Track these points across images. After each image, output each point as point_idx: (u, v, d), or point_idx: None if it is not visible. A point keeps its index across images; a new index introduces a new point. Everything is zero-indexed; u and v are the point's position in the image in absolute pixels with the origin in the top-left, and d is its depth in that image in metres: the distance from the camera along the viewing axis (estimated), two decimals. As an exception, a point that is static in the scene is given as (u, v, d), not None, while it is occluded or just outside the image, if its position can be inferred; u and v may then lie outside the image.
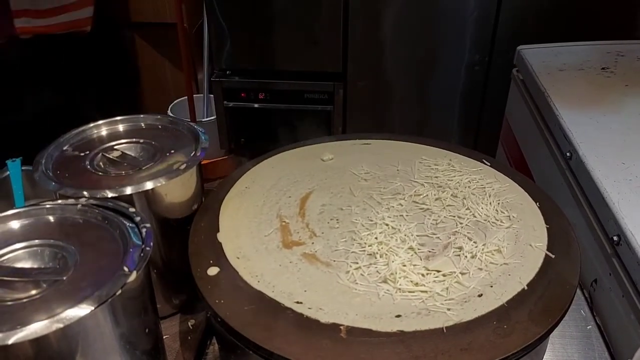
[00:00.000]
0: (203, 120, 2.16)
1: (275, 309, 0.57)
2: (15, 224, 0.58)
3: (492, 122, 1.64)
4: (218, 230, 0.69)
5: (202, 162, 0.73)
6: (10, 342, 0.44)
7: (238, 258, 0.64)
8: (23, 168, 0.80)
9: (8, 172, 0.82)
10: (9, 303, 0.49)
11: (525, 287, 0.59)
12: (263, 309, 0.57)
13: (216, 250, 0.65)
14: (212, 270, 0.62)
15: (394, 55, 1.77)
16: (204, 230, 0.69)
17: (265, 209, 0.72)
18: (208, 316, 0.71)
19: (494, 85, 1.78)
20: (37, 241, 0.56)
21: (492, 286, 0.60)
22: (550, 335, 0.58)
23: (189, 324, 0.75)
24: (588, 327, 0.74)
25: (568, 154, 0.93)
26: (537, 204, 0.73)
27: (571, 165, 0.93)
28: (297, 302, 0.58)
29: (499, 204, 0.72)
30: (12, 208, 0.60)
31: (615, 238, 0.74)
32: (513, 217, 0.70)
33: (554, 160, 1.02)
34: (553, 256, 0.64)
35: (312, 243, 0.66)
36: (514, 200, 0.73)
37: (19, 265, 0.54)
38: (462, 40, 1.75)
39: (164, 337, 0.69)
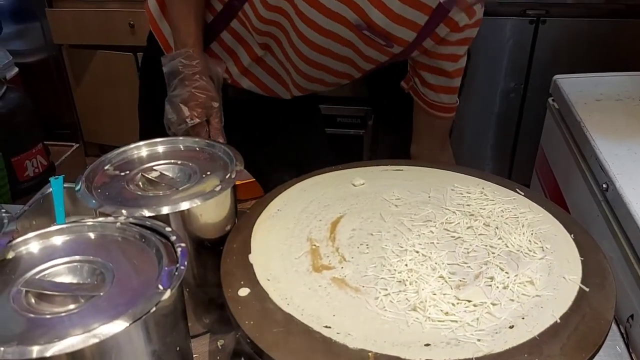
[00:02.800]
0: (237, 142, 2.20)
1: (304, 332, 0.58)
2: (57, 240, 0.60)
3: (528, 151, 1.62)
4: (250, 252, 0.70)
5: (236, 184, 0.74)
6: (48, 354, 0.46)
7: (268, 280, 0.65)
8: (65, 185, 0.83)
9: (51, 189, 0.86)
10: (48, 316, 0.51)
11: (558, 320, 0.58)
12: (292, 331, 0.58)
13: (247, 272, 0.66)
14: (243, 291, 0.63)
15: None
16: (236, 251, 0.70)
17: (296, 232, 0.73)
18: (237, 337, 0.72)
19: (529, 113, 1.76)
20: (77, 257, 0.58)
21: (523, 318, 0.59)
22: (584, 371, 0.57)
23: (219, 343, 0.76)
24: (624, 365, 0.72)
25: (604, 186, 0.92)
26: (572, 235, 0.71)
27: (608, 197, 0.91)
28: (326, 327, 0.58)
29: (532, 234, 0.71)
30: (53, 224, 0.62)
31: (653, 273, 0.72)
32: (547, 248, 0.69)
33: (590, 192, 1.00)
34: (587, 289, 0.63)
35: (342, 267, 0.67)
36: (548, 231, 0.72)
37: (59, 279, 0.56)
38: (497, 67, 1.74)
39: (194, 355, 0.69)
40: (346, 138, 1.85)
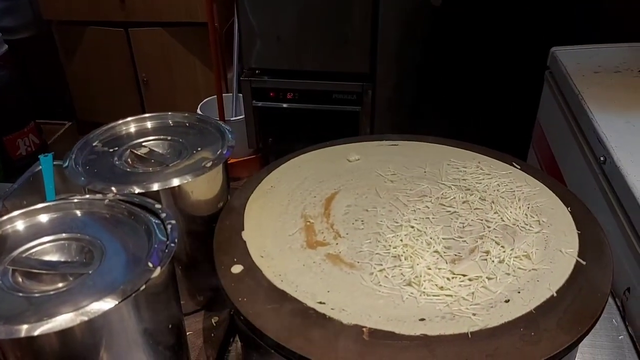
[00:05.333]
0: (232, 119, 2.18)
1: (298, 308, 0.57)
2: (44, 218, 0.59)
3: (524, 125, 1.61)
4: (243, 229, 0.69)
5: (230, 161, 0.73)
6: (36, 333, 0.45)
7: (262, 257, 0.64)
8: (55, 163, 0.82)
9: (40, 167, 0.84)
10: (37, 295, 0.50)
11: (555, 294, 0.58)
12: (285, 308, 0.57)
13: (240, 249, 0.65)
14: (236, 268, 0.62)
15: (424, 55, 1.75)
16: (228, 229, 0.69)
17: (290, 209, 0.72)
18: (231, 314, 0.72)
19: (526, 87, 1.74)
20: (64, 235, 0.57)
21: (519, 292, 0.58)
22: (580, 345, 0.56)
23: (213, 321, 0.75)
24: (620, 337, 0.72)
25: (602, 159, 0.91)
26: (569, 208, 0.71)
27: (605, 170, 0.90)
28: (320, 303, 0.57)
29: (528, 208, 0.70)
30: (43, 202, 0.61)
31: (650, 246, 0.72)
32: (543, 221, 0.68)
33: (587, 165, 0.99)
34: (584, 263, 0.62)
35: (337, 244, 0.66)
36: (544, 205, 0.71)
37: (47, 258, 0.55)
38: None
39: (188, 333, 0.69)
40: (341, 114, 1.83)
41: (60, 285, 0.51)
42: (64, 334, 0.46)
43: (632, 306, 0.76)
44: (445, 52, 1.75)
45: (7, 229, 0.58)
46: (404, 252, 0.63)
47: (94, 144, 0.74)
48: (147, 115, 0.79)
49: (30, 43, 2.41)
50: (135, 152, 0.72)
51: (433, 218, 0.69)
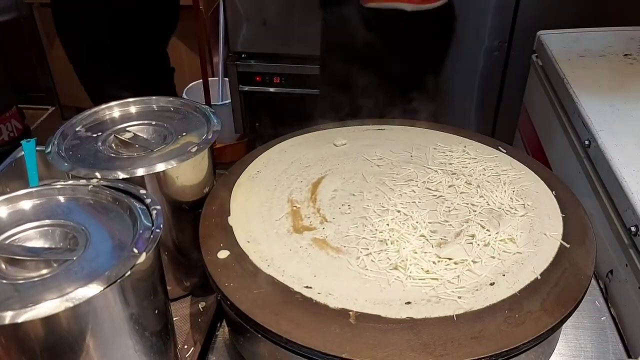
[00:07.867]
0: (218, 103, 2.16)
1: (285, 293, 0.57)
2: (26, 204, 0.58)
3: (511, 109, 1.62)
4: (229, 214, 0.68)
5: (216, 146, 0.72)
6: (20, 320, 0.45)
7: (248, 242, 0.64)
8: (37, 148, 0.81)
9: (23, 153, 0.83)
10: (21, 282, 0.49)
11: (539, 277, 0.58)
12: (272, 293, 0.57)
13: (227, 234, 0.65)
14: (223, 254, 0.62)
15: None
16: (215, 214, 0.69)
17: (276, 194, 0.72)
18: (218, 299, 0.72)
19: (513, 71, 1.75)
20: (47, 221, 0.56)
21: (504, 275, 0.59)
22: (563, 326, 0.57)
23: (200, 306, 0.75)
24: (602, 319, 0.73)
25: (587, 142, 0.91)
26: (553, 192, 0.71)
27: (589, 154, 0.91)
28: (307, 287, 0.58)
29: (513, 192, 0.71)
30: (26, 188, 0.60)
31: (632, 228, 0.72)
32: (528, 205, 0.69)
33: (572, 149, 1.00)
34: (568, 246, 0.63)
35: (323, 228, 0.66)
36: (529, 189, 0.72)
37: (31, 244, 0.54)
38: (481, 24, 1.72)
39: (174, 318, 0.69)
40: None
41: (44, 271, 0.51)
42: (49, 320, 0.46)
43: (615, 288, 0.78)
44: (433, 35, 1.75)
45: (-11, 216, 0.57)
46: (390, 237, 0.63)
47: (77, 129, 0.73)
48: (131, 99, 0.78)
49: (11, 26, 2.36)
50: (120, 137, 0.71)
51: (419, 202, 0.69)
